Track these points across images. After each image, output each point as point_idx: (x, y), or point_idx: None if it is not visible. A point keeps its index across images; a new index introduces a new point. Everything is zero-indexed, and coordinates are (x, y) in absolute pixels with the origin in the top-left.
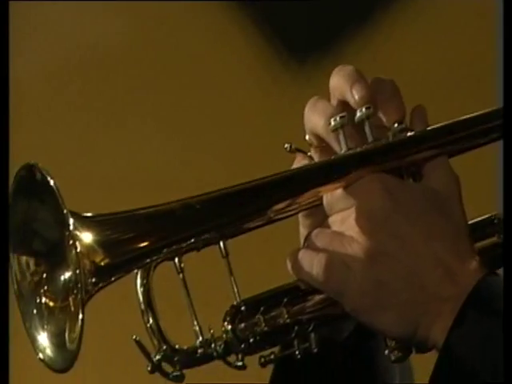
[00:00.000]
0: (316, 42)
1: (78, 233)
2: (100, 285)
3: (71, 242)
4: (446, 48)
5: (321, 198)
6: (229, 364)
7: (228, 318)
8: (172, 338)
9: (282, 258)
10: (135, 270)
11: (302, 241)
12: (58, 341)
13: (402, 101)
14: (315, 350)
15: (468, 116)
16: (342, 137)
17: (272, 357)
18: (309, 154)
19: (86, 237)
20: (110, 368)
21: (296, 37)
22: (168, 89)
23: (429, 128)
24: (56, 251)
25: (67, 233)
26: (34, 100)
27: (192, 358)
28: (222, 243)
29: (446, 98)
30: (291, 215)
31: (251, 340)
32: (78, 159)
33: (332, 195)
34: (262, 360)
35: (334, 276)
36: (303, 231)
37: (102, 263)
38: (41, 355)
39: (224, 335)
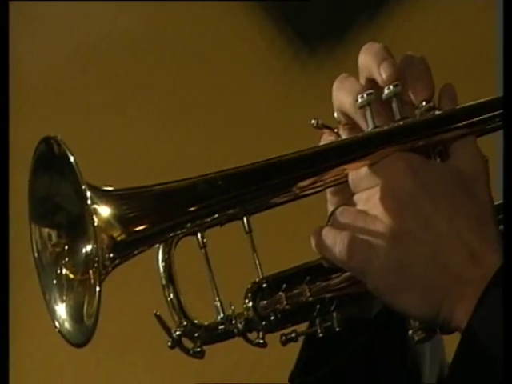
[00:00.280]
0: (327, 31)
1: (96, 207)
2: (117, 261)
3: (89, 216)
4: (461, 34)
5: (347, 176)
6: (249, 341)
7: (249, 295)
8: (193, 313)
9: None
10: (157, 245)
11: None
12: (76, 314)
13: (431, 79)
14: (337, 329)
15: (497, 96)
16: (368, 114)
17: (293, 335)
18: (335, 130)
19: (104, 211)
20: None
21: (307, 25)
22: (178, 78)
23: (457, 107)
24: (77, 224)
25: (85, 207)
26: (39, 92)
27: (212, 334)
28: (245, 219)
29: (461, 81)
30: (316, 192)
31: (272, 318)
32: (84, 152)
33: (357, 173)
34: (283, 338)
35: (356, 255)
36: (331, 208)
37: (120, 238)
38: (59, 328)
39: (245, 312)
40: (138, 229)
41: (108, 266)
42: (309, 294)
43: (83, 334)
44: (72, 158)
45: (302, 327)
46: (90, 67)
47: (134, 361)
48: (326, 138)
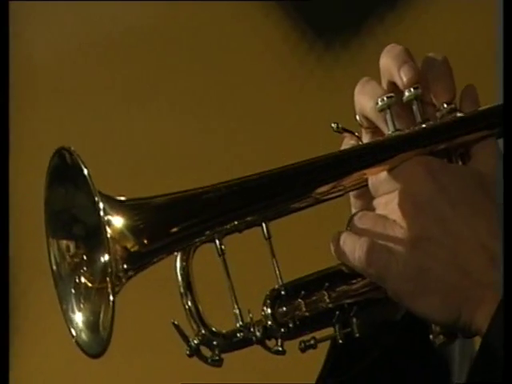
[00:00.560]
0: (343, 23)
1: (109, 218)
2: (131, 272)
3: (102, 227)
4: (479, 26)
5: (367, 180)
6: (268, 349)
7: (268, 302)
8: (211, 321)
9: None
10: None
11: None
12: (92, 324)
13: (452, 80)
14: (357, 335)
15: None
16: (389, 117)
17: (312, 342)
18: (356, 133)
19: (118, 222)
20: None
21: (322, 18)
22: (191, 73)
23: (479, 109)
24: (94, 234)
25: (99, 218)
26: (52, 81)
27: (231, 343)
28: (264, 225)
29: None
30: (337, 197)
31: (291, 325)
32: (98, 141)
33: (377, 177)
34: (302, 345)
35: (375, 261)
36: (354, 211)
37: (134, 249)
38: (76, 338)
39: (263, 319)
40: (152, 239)
41: (122, 277)
42: (328, 300)
43: (99, 344)
44: (86, 171)
45: (321, 334)
46: (99, 64)
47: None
48: (348, 143)
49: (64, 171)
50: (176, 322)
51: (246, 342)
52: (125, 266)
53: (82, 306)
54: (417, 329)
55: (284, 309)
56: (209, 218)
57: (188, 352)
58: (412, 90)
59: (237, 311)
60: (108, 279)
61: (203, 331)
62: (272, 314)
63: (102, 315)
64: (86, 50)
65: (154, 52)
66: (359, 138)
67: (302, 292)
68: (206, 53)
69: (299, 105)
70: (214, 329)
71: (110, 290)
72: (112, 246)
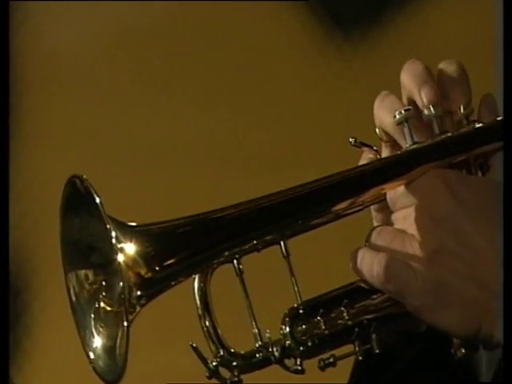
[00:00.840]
0: (362, 14)
1: (122, 246)
2: (144, 300)
3: (115, 255)
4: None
5: (385, 194)
6: (287, 368)
7: (286, 321)
8: (229, 341)
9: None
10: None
11: None
12: (109, 351)
13: (467, 86)
14: (377, 351)
15: None
16: (407, 130)
17: (331, 360)
18: (375, 148)
19: (130, 249)
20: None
21: (341, 8)
22: (211, 62)
23: (497, 118)
24: (110, 260)
25: (111, 246)
26: (73, 72)
27: (250, 363)
28: (283, 243)
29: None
30: (355, 212)
31: (310, 343)
32: (119, 131)
33: (395, 192)
34: (322, 363)
35: (394, 276)
36: (374, 226)
37: (148, 276)
38: (93, 365)
39: (282, 338)
40: (165, 265)
41: (136, 304)
42: (347, 317)
43: (115, 371)
44: (98, 199)
45: (341, 351)
46: (124, 53)
47: None
48: (366, 157)
49: (77, 200)
50: (194, 345)
51: (264, 362)
52: (138, 293)
53: (100, 330)
54: (440, 340)
55: (303, 327)
56: (227, 240)
57: (207, 374)
58: (432, 108)
59: (256, 331)
60: (122, 306)
61: (222, 352)
62: (291, 332)
63: (118, 340)
64: (107, 42)
65: (175, 47)
66: (377, 152)
67: (321, 310)
68: (222, 41)
69: (318, 95)
70: (232, 350)
71: (124, 316)
72: (125, 273)
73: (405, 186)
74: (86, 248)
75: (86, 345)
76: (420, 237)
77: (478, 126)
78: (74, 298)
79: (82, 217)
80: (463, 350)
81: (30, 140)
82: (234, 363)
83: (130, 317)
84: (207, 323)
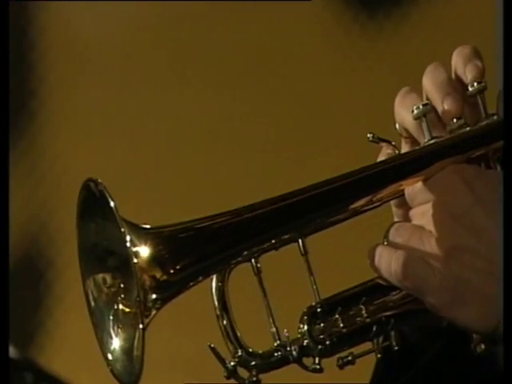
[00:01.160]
0: None
1: (137, 249)
2: (159, 303)
3: (130, 258)
4: None
5: (403, 190)
6: (305, 367)
7: (305, 319)
8: (247, 341)
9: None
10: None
11: None
12: (127, 353)
13: (478, 62)
14: (396, 348)
15: None
16: (425, 125)
17: (350, 358)
18: (393, 143)
19: (145, 252)
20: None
21: None
22: (240, 46)
23: None
24: (126, 263)
25: (126, 250)
26: (98, 59)
27: (268, 362)
28: (301, 241)
29: None
30: (373, 208)
31: (328, 342)
32: (140, 118)
33: (413, 188)
34: (340, 362)
35: (412, 274)
36: (393, 222)
37: (163, 278)
38: (111, 367)
39: (300, 337)
40: (180, 267)
41: (151, 306)
42: (365, 314)
43: (132, 373)
44: (112, 203)
45: (359, 349)
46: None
47: None
48: (385, 152)
49: (92, 203)
50: (212, 346)
51: (283, 362)
52: (154, 296)
53: (118, 331)
54: (460, 336)
55: (321, 326)
56: (244, 240)
57: (225, 374)
58: (455, 121)
59: (274, 330)
60: (138, 309)
61: (240, 352)
62: (309, 331)
63: (136, 342)
64: (132, 32)
65: (203, 36)
66: (395, 147)
67: (339, 308)
68: (247, 25)
69: (343, 74)
70: (250, 349)
71: (139, 319)
72: (140, 277)
73: (423, 182)
74: (102, 252)
75: (103, 347)
76: (438, 233)
77: (495, 118)
78: (92, 303)
79: (97, 221)
80: (483, 346)
81: (52, 123)
82: (253, 363)
83: (146, 320)
84: (225, 323)
